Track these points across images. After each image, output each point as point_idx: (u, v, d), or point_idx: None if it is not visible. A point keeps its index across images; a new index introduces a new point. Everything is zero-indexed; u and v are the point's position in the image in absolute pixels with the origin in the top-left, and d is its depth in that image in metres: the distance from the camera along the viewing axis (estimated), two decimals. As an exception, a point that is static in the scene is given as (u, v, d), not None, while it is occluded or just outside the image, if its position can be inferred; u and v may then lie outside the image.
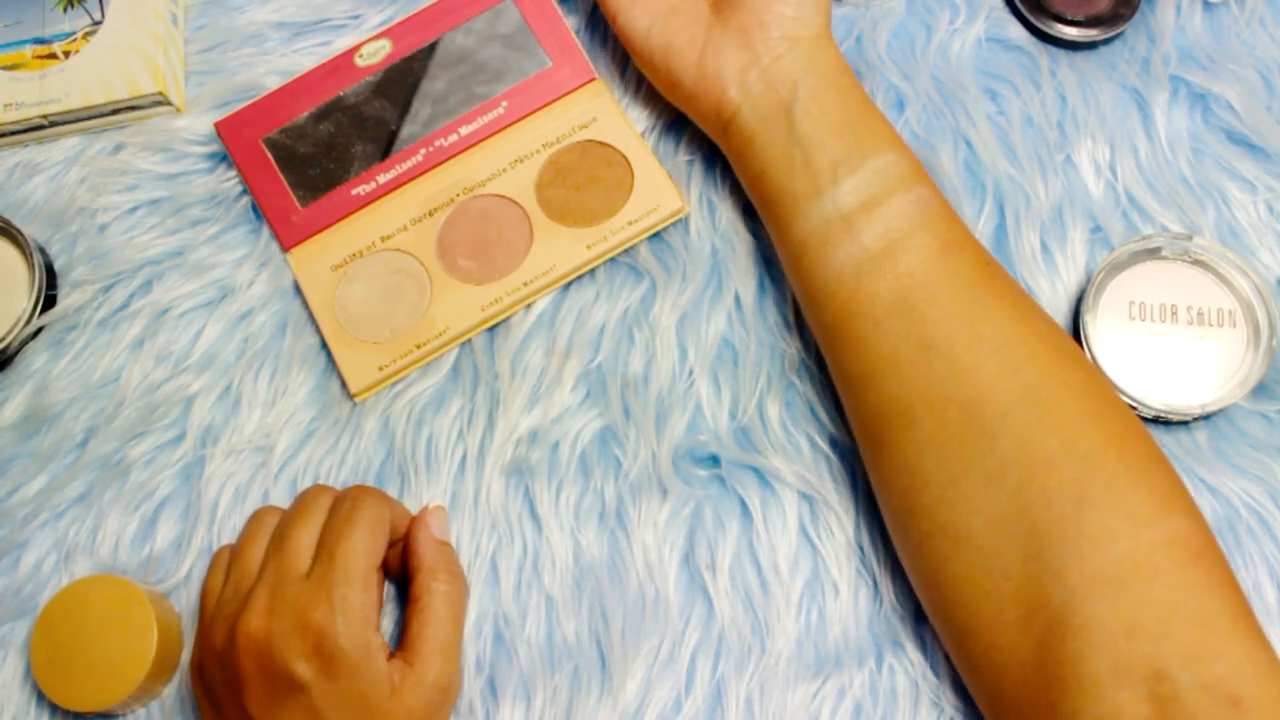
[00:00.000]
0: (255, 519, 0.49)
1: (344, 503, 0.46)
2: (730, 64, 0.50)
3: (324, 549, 0.45)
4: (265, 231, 0.56)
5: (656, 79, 0.54)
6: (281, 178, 0.55)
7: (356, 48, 0.57)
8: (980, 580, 0.42)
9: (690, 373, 0.52)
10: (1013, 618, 0.41)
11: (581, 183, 0.55)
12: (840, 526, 0.49)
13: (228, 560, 0.49)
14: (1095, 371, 0.44)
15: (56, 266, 0.57)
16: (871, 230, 0.46)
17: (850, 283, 0.46)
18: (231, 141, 0.56)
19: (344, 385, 0.53)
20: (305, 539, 0.46)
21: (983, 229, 0.53)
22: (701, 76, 0.51)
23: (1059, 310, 0.52)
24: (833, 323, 0.47)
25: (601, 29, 0.59)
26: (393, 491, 0.51)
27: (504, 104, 0.56)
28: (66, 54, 0.58)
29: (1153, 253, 0.52)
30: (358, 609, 0.43)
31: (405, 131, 0.56)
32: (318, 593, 0.43)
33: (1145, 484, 0.40)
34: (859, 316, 0.46)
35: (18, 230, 0.55)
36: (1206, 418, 0.50)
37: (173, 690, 0.50)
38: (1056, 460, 0.41)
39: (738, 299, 0.53)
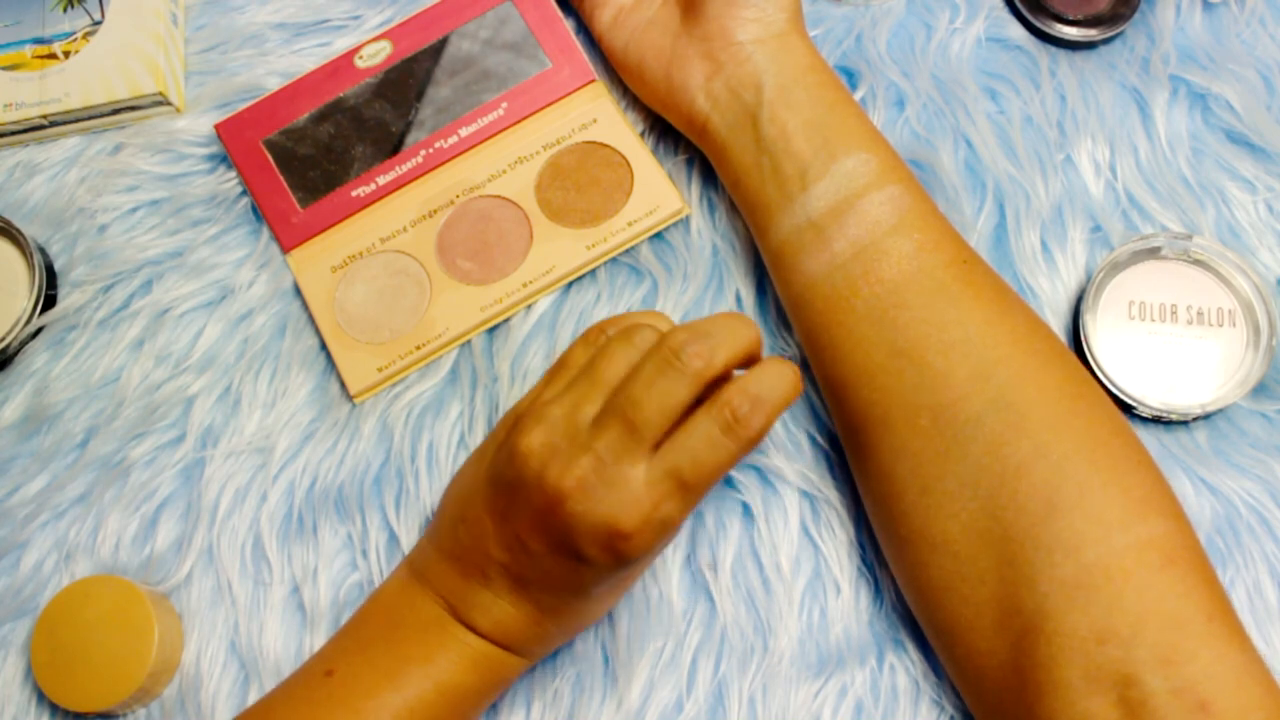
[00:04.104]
0: (634, 335, 0.41)
1: (736, 411, 0.38)
2: (696, 74, 0.50)
3: (685, 453, 0.38)
4: (265, 233, 0.56)
5: (636, 91, 0.55)
6: (281, 179, 0.55)
7: (357, 49, 0.57)
8: (957, 585, 0.42)
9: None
10: (989, 622, 0.41)
11: (581, 184, 0.55)
12: (842, 525, 0.49)
13: (588, 354, 0.42)
14: (1075, 371, 0.44)
15: (56, 266, 0.57)
16: (843, 237, 0.46)
17: (824, 290, 0.46)
18: (231, 143, 0.56)
19: (343, 386, 0.53)
20: (663, 420, 0.38)
21: (982, 228, 0.54)
22: (670, 88, 0.52)
23: (1058, 310, 0.52)
24: (811, 330, 0.47)
25: (601, 29, 0.59)
26: (390, 495, 0.51)
27: (504, 105, 0.56)
28: (66, 54, 0.58)
29: (1152, 252, 0.52)
30: (673, 528, 0.39)
31: (405, 133, 0.56)
32: (645, 499, 0.38)
33: (1119, 487, 0.40)
34: (834, 324, 0.46)
35: (18, 230, 0.55)
36: (1206, 417, 0.50)
37: (173, 690, 0.50)
38: (1028, 466, 0.41)
39: (738, 298, 0.53)
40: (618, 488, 0.38)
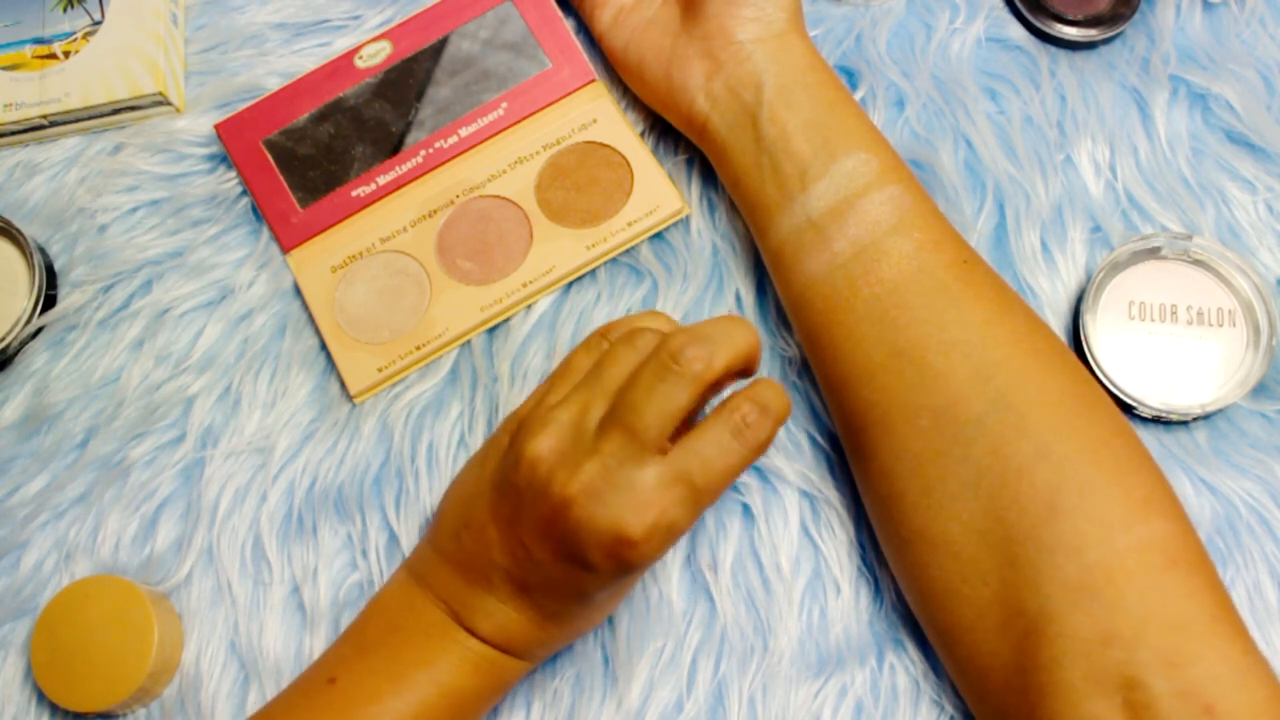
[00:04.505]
0: (635, 337, 0.41)
1: (745, 416, 0.39)
2: (695, 74, 0.50)
3: (695, 457, 0.38)
4: (265, 233, 0.56)
5: (636, 90, 0.55)
6: (281, 179, 0.55)
7: (356, 49, 0.57)
8: (959, 586, 0.42)
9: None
10: (992, 623, 0.41)
11: (581, 184, 0.55)
12: (842, 525, 0.49)
13: (592, 358, 0.43)
14: (1076, 371, 0.44)
15: (56, 266, 0.57)
16: (844, 237, 0.46)
17: (824, 290, 0.46)
18: (231, 143, 0.56)
19: (343, 386, 0.53)
20: (665, 425, 0.38)
21: (982, 228, 0.54)
22: (670, 88, 0.51)
23: (1058, 310, 0.52)
24: (810, 329, 0.47)
25: (601, 29, 0.59)
26: (390, 495, 0.51)
27: (504, 105, 0.56)
28: (66, 54, 0.58)
29: (1152, 252, 0.52)
30: (679, 534, 0.39)
31: (405, 133, 0.56)
32: (653, 504, 0.38)
33: (1121, 488, 0.40)
34: (834, 324, 0.46)
35: (18, 230, 0.55)
36: (1206, 417, 0.50)
37: (173, 690, 0.50)
38: (1029, 467, 0.41)
39: (738, 298, 0.53)
40: (624, 492, 0.38)
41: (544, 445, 0.39)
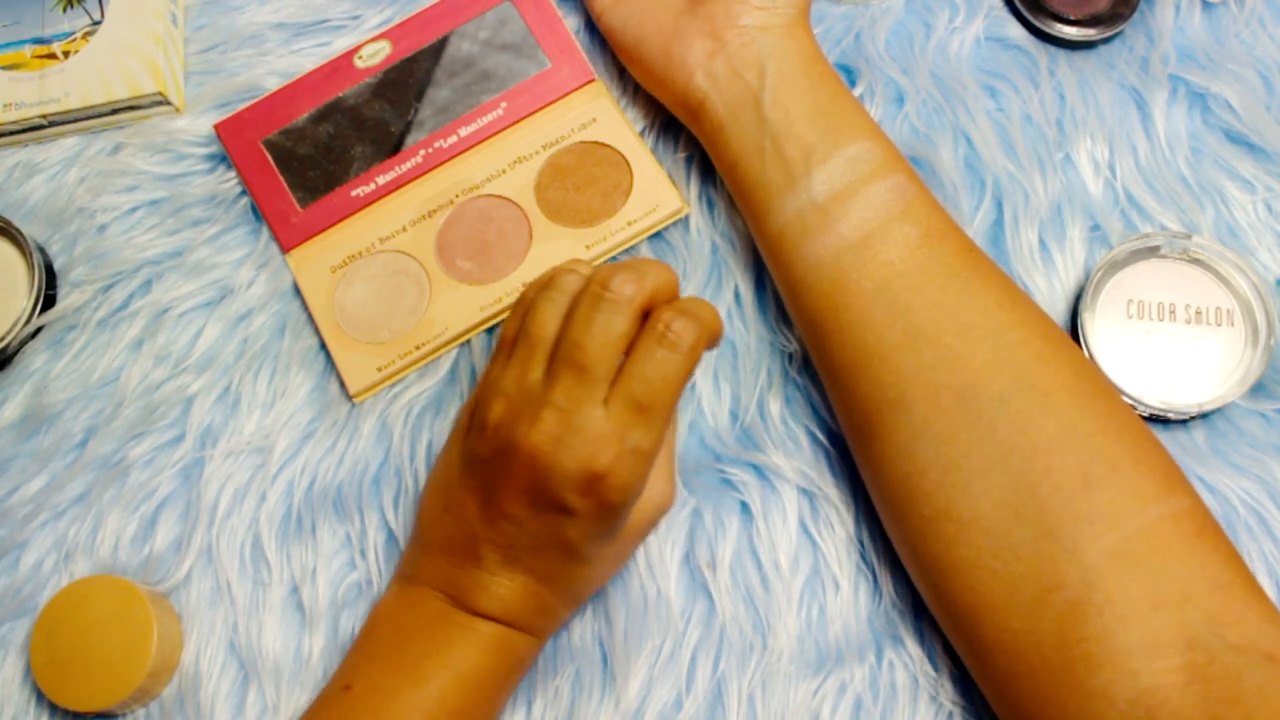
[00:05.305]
0: (555, 281, 0.43)
1: (668, 324, 0.40)
2: (696, 51, 0.50)
3: (634, 379, 0.40)
4: (265, 232, 0.56)
5: (632, 68, 0.55)
6: (281, 179, 0.56)
7: (356, 49, 0.57)
8: (988, 562, 0.41)
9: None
10: (1026, 598, 0.40)
11: (580, 183, 0.55)
12: (840, 521, 0.49)
13: (519, 321, 0.44)
14: (1084, 358, 0.45)
15: (56, 266, 0.57)
16: (849, 220, 0.46)
17: (830, 273, 0.46)
18: (231, 143, 0.56)
19: (343, 386, 0.53)
20: (610, 354, 0.40)
21: (980, 225, 0.54)
22: (668, 64, 0.51)
23: (1056, 308, 0.52)
24: (815, 313, 0.47)
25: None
26: (389, 495, 0.51)
27: (503, 105, 0.56)
28: (66, 54, 0.58)
29: (1151, 251, 0.52)
30: (646, 457, 0.40)
31: (405, 133, 0.56)
32: (611, 434, 0.39)
33: (1146, 464, 0.41)
34: (842, 306, 0.46)
35: (18, 230, 0.55)
36: (1204, 416, 0.50)
37: (173, 690, 0.50)
38: (1058, 443, 0.41)
39: (737, 295, 0.53)
40: (584, 431, 0.39)
41: (497, 410, 0.41)
